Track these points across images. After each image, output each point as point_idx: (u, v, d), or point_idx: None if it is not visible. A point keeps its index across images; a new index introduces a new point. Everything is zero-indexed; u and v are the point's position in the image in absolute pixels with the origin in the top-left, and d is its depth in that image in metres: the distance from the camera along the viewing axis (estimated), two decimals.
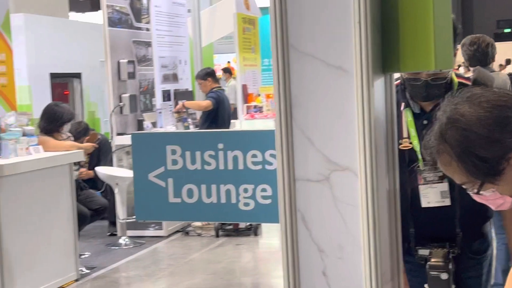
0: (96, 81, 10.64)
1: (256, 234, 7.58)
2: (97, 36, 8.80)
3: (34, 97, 9.61)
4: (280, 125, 2.17)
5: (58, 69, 10.32)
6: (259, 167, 3.05)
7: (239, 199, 3.07)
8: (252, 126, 8.92)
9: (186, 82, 8.95)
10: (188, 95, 8.68)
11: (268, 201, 3.05)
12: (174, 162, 3.09)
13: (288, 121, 2.18)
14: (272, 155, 3.01)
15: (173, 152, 3.09)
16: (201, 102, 8.34)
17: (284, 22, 2.15)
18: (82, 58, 10.76)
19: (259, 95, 9.96)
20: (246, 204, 3.05)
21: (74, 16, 15.26)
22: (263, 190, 3.06)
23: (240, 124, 9.27)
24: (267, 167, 3.04)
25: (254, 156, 3.06)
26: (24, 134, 5.91)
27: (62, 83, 10.75)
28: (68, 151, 6.25)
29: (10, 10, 6.47)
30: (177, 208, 3.15)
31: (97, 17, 12.38)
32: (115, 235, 7.66)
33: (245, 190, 3.07)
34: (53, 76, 10.19)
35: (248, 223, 7.45)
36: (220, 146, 3.07)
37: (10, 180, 5.42)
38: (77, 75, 10.89)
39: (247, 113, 9.52)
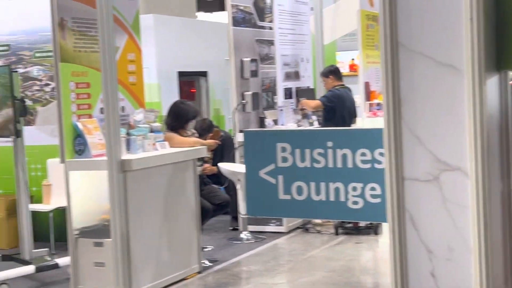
0: (221, 79, 10.84)
1: (376, 233, 7.48)
2: (223, 35, 8.98)
3: (163, 95, 9.92)
4: (389, 123, 2.15)
5: (186, 68, 10.59)
6: (368, 165, 3.02)
7: (348, 197, 3.06)
8: (374, 124, 8.79)
9: (308, 80, 8.96)
10: (309, 93, 8.68)
11: (377, 200, 3.01)
12: (284, 159, 3.11)
13: (397, 119, 2.15)
14: (381, 154, 2.97)
15: (283, 149, 3.12)
16: (312, 102, 8.31)
17: (393, 20, 2.13)
18: (208, 57, 10.99)
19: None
20: (355, 203, 3.03)
21: (201, 16, 15.60)
22: (372, 189, 3.03)
23: (362, 122, 9.16)
24: (376, 165, 3.00)
25: (363, 154, 3.03)
26: (152, 131, 6.14)
27: (189, 81, 11.04)
28: (193, 147, 6.43)
29: (140, 11, 6.69)
30: (287, 205, 3.16)
31: (223, 17, 12.61)
32: (237, 229, 7.79)
33: (354, 189, 3.05)
34: (181, 74, 10.47)
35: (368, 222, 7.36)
36: (329, 144, 3.07)
37: (138, 174, 5.62)
38: (204, 74, 11.14)
39: (370, 111, 9.40)
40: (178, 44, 10.50)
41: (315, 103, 8.19)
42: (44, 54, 7.84)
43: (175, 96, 9.78)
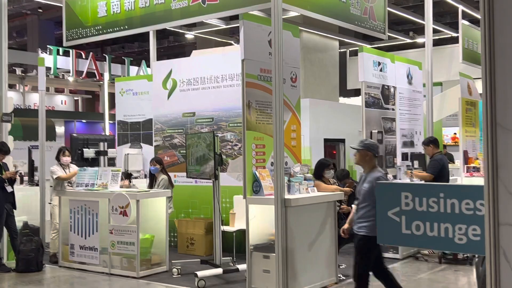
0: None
1: (471, 264, 6.99)
2: (356, 113, 8.95)
3: (313, 154, 10.01)
4: (488, 182, 2.07)
5: (330, 136, 10.64)
6: (471, 212, 2.87)
7: (454, 235, 2.91)
8: (471, 182, 8.32)
9: (419, 148, 8.66)
10: (420, 156, 8.39)
11: (477, 238, 2.85)
12: (406, 204, 3.03)
13: (495, 179, 2.07)
14: (482, 204, 2.82)
15: (406, 197, 3.04)
16: (422, 175, 7.51)
17: (493, 104, 2.07)
18: (345, 128, 10.98)
19: (477, 158, 9.28)
20: (460, 239, 2.88)
21: (342, 100, 15.65)
22: (474, 229, 2.86)
23: (461, 180, 8.70)
24: (477, 212, 2.85)
25: (467, 204, 2.89)
26: (305, 179, 6.18)
27: (332, 145, 11.07)
28: (334, 192, 6.40)
29: (301, 96, 6.84)
30: (408, 237, 3.07)
31: (357, 101, 12.63)
32: None
33: (460, 229, 2.90)
34: (326, 140, 10.53)
35: (465, 254, 6.90)
36: (441, 195, 2.96)
37: (295, 209, 5.65)
38: (342, 140, 11.12)
39: (467, 172, 8.91)
40: (325, 118, 10.59)
41: (426, 176, 7.42)
42: (235, 125, 8.18)
43: (321, 156, 9.83)
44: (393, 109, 8.38)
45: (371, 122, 8.01)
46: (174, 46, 21.14)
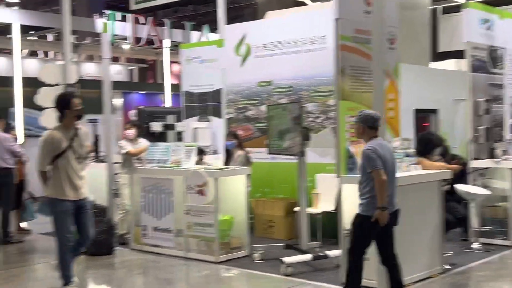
0: (447, 116, 10.37)
1: None
2: (449, 80, 8.57)
3: (402, 127, 9.70)
4: None
5: (421, 106, 10.29)
6: None
7: None
8: None
9: None
10: None
11: None
12: None
13: None
14: None
15: None
16: None
17: None
18: (438, 97, 10.58)
19: None
20: None
21: (432, 65, 15.08)
22: None
23: None
24: None
25: None
26: (407, 156, 5.99)
27: (423, 117, 10.70)
28: (439, 170, 6.17)
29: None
30: None
31: (448, 65, 12.14)
32: (466, 240, 7.32)
33: None
34: (417, 111, 10.19)
35: None
36: None
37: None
38: (434, 111, 10.74)
39: None
40: (415, 86, 10.23)
41: None
42: (317, 94, 8.03)
43: (411, 128, 9.51)
44: (500, 74, 7.97)
45: (476, 89, 7.66)
46: (238, 8, 20.94)
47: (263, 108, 8.47)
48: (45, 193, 5.51)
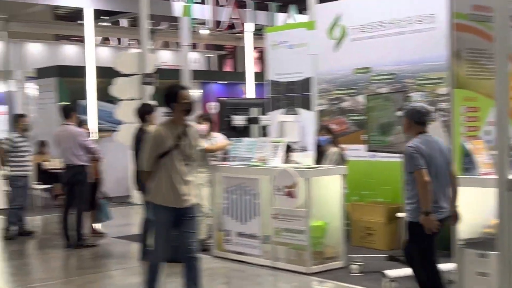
0: None
1: None
2: None
3: None
4: None
5: None
6: None
7: None
8: None
9: None
10: None
11: None
12: None
13: None
14: None
15: None
16: None
17: None
18: None
19: None
20: None
21: None
22: None
23: None
24: None
25: None
26: None
27: None
28: None
29: None
30: None
31: None
32: None
33: None
34: None
35: None
36: None
37: None
38: None
39: None
40: None
41: None
42: (425, 82, 7.75)
43: None
44: None
45: None
46: None
47: (361, 98, 8.31)
48: (146, 197, 5.38)
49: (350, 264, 6.80)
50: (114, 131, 10.54)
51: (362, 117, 8.22)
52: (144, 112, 7.36)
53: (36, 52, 18.21)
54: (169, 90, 5.31)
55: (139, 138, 7.04)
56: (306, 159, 8.54)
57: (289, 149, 8.13)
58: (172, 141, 5.15)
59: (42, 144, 12.82)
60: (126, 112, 8.74)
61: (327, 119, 8.79)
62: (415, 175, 4.89)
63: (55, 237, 9.05)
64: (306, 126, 9.16)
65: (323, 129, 7.99)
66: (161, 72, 14.12)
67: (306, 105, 9.49)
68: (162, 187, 5.17)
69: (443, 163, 5.08)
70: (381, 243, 7.89)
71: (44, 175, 11.97)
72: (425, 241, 5.00)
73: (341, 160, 7.67)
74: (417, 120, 5.06)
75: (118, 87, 7.82)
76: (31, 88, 15.44)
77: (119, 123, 10.13)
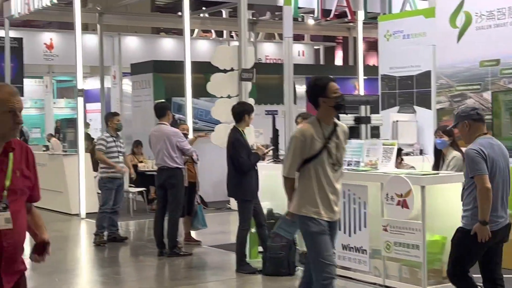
0: None
1: None
2: None
3: None
4: None
5: None
6: None
7: None
8: None
9: None
10: None
11: None
12: None
13: None
14: None
15: None
16: None
17: None
18: None
19: None
20: None
21: None
22: None
23: None
24: None
25: None
26: None
27: None
28: None
29: None
30: None
31: None
32: None
33: None
34: None
35: None
36: None
37: None
38: None
39: None
40: None
41: None
42: None
43: None
44: None
45: None
46: None
47: (488, 95, 8.07)
48: (289, 208, 5.07)
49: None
50: (210, 131, 10.78)
51: (488, 117, 7.99)
52: (241, 112, 7.47)
53: (133, 46, 18.91)
54: (315, 82, 4.98)
55: (235, 140, 7.17)
56: (424, 164, 8.40)
57: (400, 152, 8.03)
58: (321, 142, 4.88)
59: (136, 145, 13.31)
60: (222, 111, 8.92)
61: (447, 119, 8.62)
62: (475, 180, 4.90)
63: (149, 244, 9.37)
64: (424, 127, 9.04)
65: (440, 130, 7.81)
66: (263, 67, 14.36)
67: (424, 103, 9.36)
68: (313, 196, 4.93)
69: (506, 169, 5.05)
70: (508, 261, 7.59)
71: (140, 178, 12.35)
72: (473, 249, 5.02)
73: (463, 166, 7.45)
74: (476, 118, 5.03)
75: (214, 84, 7.99)
76: (127, 85, 16.04)
77: (215, 122, 10.33)
